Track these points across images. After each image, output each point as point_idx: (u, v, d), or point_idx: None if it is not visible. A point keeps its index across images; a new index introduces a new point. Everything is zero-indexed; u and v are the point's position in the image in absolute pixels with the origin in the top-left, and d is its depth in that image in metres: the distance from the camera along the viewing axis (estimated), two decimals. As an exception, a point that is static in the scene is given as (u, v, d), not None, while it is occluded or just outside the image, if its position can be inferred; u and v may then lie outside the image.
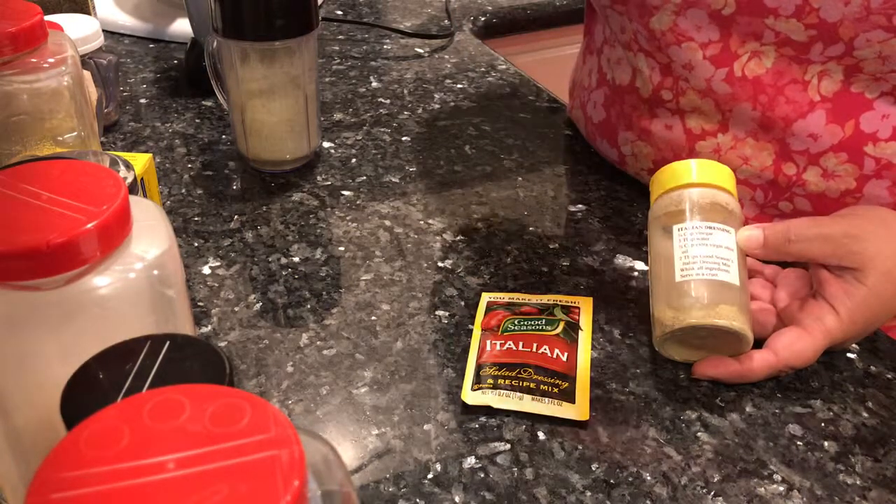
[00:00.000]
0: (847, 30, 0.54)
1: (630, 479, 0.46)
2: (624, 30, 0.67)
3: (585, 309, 0.57)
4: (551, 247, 0.64)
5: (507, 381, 0.50)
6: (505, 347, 0.53)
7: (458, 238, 0.65)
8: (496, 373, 0.51)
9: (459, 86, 0.91)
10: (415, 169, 0.74)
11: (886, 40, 0.54)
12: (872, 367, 0.54)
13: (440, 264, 0.62)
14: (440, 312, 0.57)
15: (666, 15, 0.61)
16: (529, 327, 0.54)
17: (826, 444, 0.48)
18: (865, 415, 0.50)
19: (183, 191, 0.70)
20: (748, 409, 0.50)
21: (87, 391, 0.29)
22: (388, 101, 0.87)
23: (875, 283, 0.50)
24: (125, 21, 1.01)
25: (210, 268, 0.61)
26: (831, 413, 0.51)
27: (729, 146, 0.64)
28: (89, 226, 0.32)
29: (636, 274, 0.61)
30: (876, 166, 0.60)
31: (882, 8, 0.52)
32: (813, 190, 0.62)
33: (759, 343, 0.52)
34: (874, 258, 0.50)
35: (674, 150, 0.67)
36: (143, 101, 0.85)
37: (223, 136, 0.79)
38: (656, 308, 0.52)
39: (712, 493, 0.45)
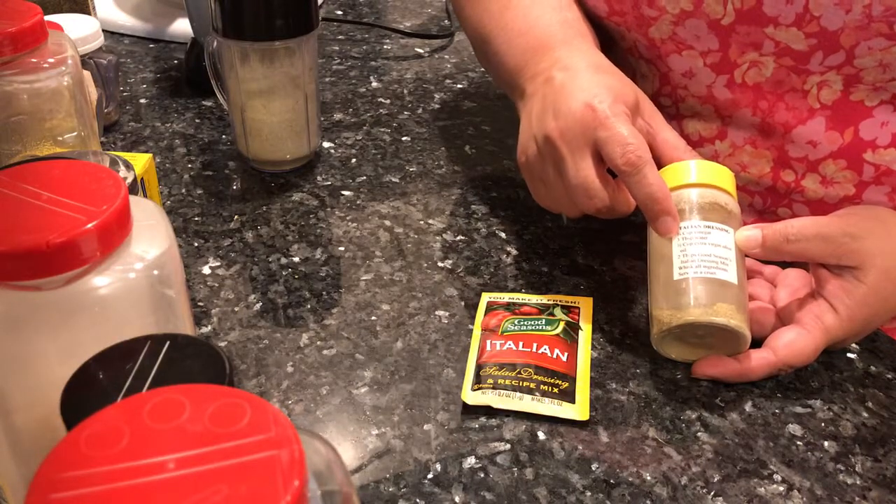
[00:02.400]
0: (848, 38, 0.54)
1: (630, 479, 0.46)
2: (623, 38, 0.66)
3: (585, 309, 0.57)
4: (551, 247, 0.64)
5: (507, 381, 0.50)
6: (505, 347, 0.53)
7: (458, 238, 0.65)
8: (496, 373, 0.51)
9: (459, 86, 0.91)
10: (415, 169, 0.74)
11: (888, 48, 0.54)
12: (872, 367, 0.54)
13: (440, 264, 0.62)
14: (440, 312, 0.57)
15: (665, 24, 0.61)
16: (529, 327, 0.54)
17: (826, 444, 0.48)
18: (865, 415, 0.51)
19: (183, 191, 0.70)
20: (748, 409, 0.50)
21: (87, 391, 0.29)
22: (388, 101, 0.87)
23: (875, 281, 0.50)
24: (125, 21, 1.01)
25: (210, 268, 0.61)
26: (831, 413, 0.51)
27: (727, 153, 0.64)
28: (89, 226, 0.32)
29: (636, 274, 0.61)
30: (875, 173, 0.60)
31: (883, 16, 0.52)
32: (812, 196, 0.62)
33: (758, 343, 0.52)
34: (874, 256, 0.50)
35: None
36: (143, 101, 0.85)
37: (223, 136, 0.79)
38: (654, 306, 0.52)
39: (712, 493, 0.45)
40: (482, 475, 0.46)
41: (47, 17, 0.65)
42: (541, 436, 0.48)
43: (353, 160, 0.76)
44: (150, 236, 0.36)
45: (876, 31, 0.53)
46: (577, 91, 0.54)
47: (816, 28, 0.55)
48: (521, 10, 0.65)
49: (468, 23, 0.72)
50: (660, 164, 0.54)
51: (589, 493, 0.45)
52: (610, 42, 0.72)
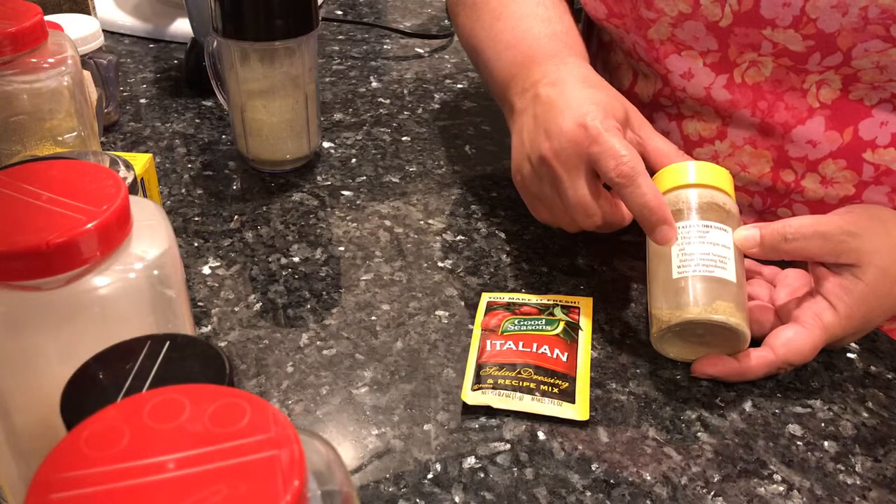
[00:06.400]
0: (845, 40, 0.54)
1: (630, 479, 0.46)
2: (623, 39, 0.67)
3: (585, 309, 0.57)
4: (551, 247, 0.64)
5: (507, 381, 0.50)
6: (505, 347, 0.53)
7: (458, 238, 0.65)
8: (496, 373, 0.51)
9: (459, 86, 0.91)
10: (415, 169, 0.74)
11: (884, 50, 0.54)
12: (872, 367, 0.54)
13: (440, 264, 0.62)
14: (440, 312, 0.57)
15: (663, 26, 0.61)
16: (529, 327, 0.54)
17: (826, 444, 0.48)
18: (865, 415, 0.51)
19: (183, 191, 0.70)
20: (748, 409, 0.50)
21: (87, 391, 0.29)
22: (388, 101, 0.87)
23: (873, 279, 0.50)
24: (125, 21, 1.01)
25: (210, 268, 0.61)
26: (831, 413, 0.51)
27: (727, 153, 0.64)
28: (89, 226, 0.32)
29: (636, 274, 0.61)
30: (875, 172, 0.60)
31: (880, 18, 0.52)
32: (811, 196, 0.62)
33: (758, 342, 0.52)
34: (872, 254, 0.50)
35: None
36: (143, 101, 0.85)
37: (223, 136, 0.79)
38: (654, 305, 0.52)
39: (712, 493, 0.45)
40: (482, 475, 0.46)
41: (47, 17, 0.65)
42: (541, 436, 0.48)
43: (353, 160, 0.76)
44: (150, 236, 0.36)
45: (872, 34, 0.53)
46: (567, 109, 0.54)
47: (813, 30, 0.55)
48: (511, 23, 0.65)
49: (462, 32, 0.73)
50: (652, 173, 0.54)
51: (589, 493, 0.45)
52: (610, 44, 0.72)
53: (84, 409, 0.27)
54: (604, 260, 0.63)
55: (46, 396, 0.30)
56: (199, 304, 0.58)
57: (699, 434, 0.49)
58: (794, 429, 0.49)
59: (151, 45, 0.99)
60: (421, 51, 1.00)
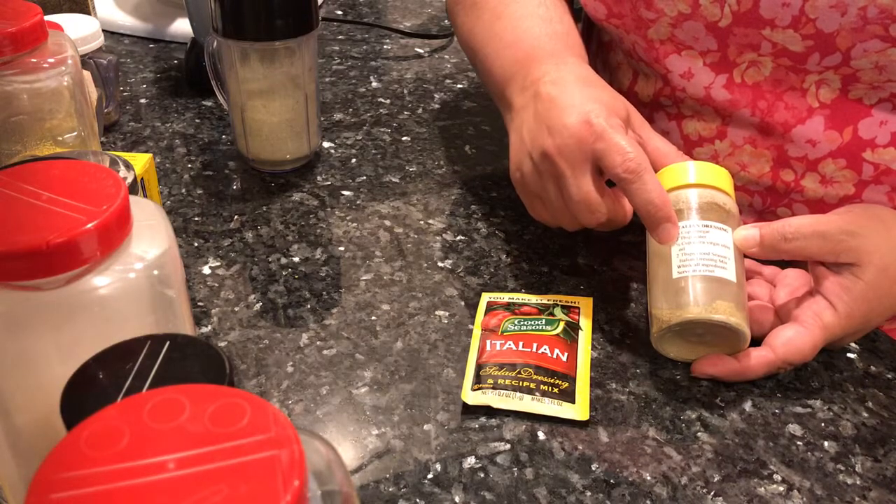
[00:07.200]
0: (844, 40, 0.54)
1: (630, 479, 0.46)
2: (623, 39, 0.67)
3: (585, 309, 0.57)
4: (551, 247, 0.64)
5: (507, 381, 0.50)
6: (505, 347, 0.53)
7: (458, 238, 0.65)
8: (496, 373, 0.51)
9: (459, 86, 0.91)
10: (415, 169, 0.74)
11: (883, 50, 0.54)
12: (872, 367, 0.54)
13: (440, 264, 0.62)
14: (440, 312, 0.57)
15: (663, 26, 0.61)
16: (529, 327, 0.54)
17: (826, 444, 0.48)
18: (865, 415, 0.51)
19: (183, 191, 0.70)
20: (748, 408, 0.50)
21: (87, 391, 0.29)
22: (388, 101, 0.87)
23: (872, 278, 0.50)
24: (125, 21, 1.01)
25: (210, 268, 0.61)
26: (831, 413, 0.51)
27: (727, 153, 0.64)
28: (89, 226, 0.32)
29: (636, 274, 0.61)
30: (874, 172, 0.60)
31: (878, 18, 0.52)
32: (811, 196, 0.62)
33: (758, 342, 0.52)
34: (871, 254, 0.50)
35: None
36: (143, 101, 0.85)
37: (223, 136, 0.79)
38: (654, 305, 0.52)
39: (712, 493, 0.45)
40: (482, 475, 0.46)
41: (47, 17, 0.65)
42: (541, 436, 0.48)
43: (353, 160, 0.76)
44: (150, 236, 0.36)
45: (871, 34, 0.53)
46: (570, 106, 0.54)
47: (812, 30, 0.55)
48: (511, 22, 0.65)
49: (461, 31, 0.73)
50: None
51: (589, 493, 0.45)
52: (610, 43, 0.72)
53: (84, 409, 0.27)
54: (604, 260, 0.63)
55: (46, 396, 0.30)
56: (199, 304, 0.58)
57: (699, 434, 0.49)
58: (794, 429, 0.49)
59: (151, 45, 0.99)
60: (421, 51, 1.00)
